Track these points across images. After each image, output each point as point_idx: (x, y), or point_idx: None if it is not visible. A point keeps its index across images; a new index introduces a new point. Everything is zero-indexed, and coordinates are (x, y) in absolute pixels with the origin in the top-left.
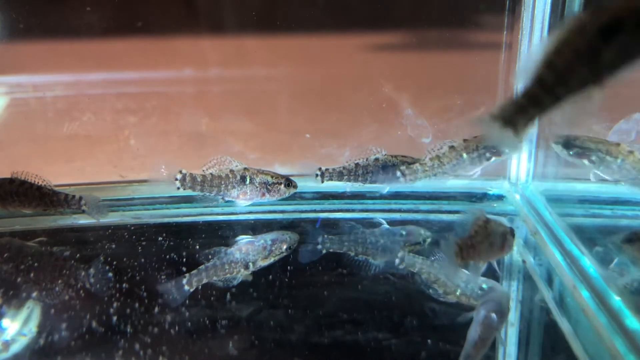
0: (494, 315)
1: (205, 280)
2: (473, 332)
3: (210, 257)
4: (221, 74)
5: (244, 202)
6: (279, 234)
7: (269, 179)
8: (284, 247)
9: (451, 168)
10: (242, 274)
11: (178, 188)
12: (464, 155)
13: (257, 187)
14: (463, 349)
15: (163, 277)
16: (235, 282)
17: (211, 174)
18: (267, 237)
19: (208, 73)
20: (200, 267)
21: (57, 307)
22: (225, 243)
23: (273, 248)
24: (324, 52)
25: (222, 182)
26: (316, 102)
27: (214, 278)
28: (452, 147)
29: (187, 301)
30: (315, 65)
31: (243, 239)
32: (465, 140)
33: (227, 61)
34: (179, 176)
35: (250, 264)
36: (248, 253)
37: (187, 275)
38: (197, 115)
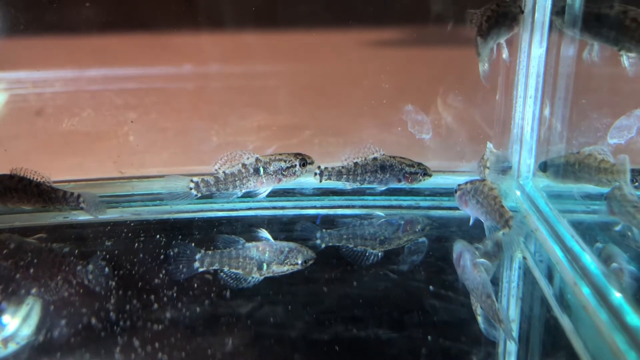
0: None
1: (216, 266)
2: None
3: (227, 244)
4: (221, 70)
5: (263, 192)
6: (298, 246)
7: (282, 164)
8: (300, 259)
9: None
10: (255, 277)
11: (196, 196)
12: None
13: (272, 175)
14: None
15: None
16: (245, 285)
17: (224, 172)
18: (285, 244)
19: (208, 69)
20: (216, 251)
21: (57, 303)
22: (243, 237)
23: (289, 255)
24: (324, 48)
25: (237, 179)
26: (316, 98)
27: (226, 268)
28: None
29: (187, 298)
30: (316, 62)
31: (263, 235)
32: None
33: (226, 57)
34: (192, 185)
35: (265, 265)
36: (264, 252)
37: (201, 251)
38: (197, 111)
